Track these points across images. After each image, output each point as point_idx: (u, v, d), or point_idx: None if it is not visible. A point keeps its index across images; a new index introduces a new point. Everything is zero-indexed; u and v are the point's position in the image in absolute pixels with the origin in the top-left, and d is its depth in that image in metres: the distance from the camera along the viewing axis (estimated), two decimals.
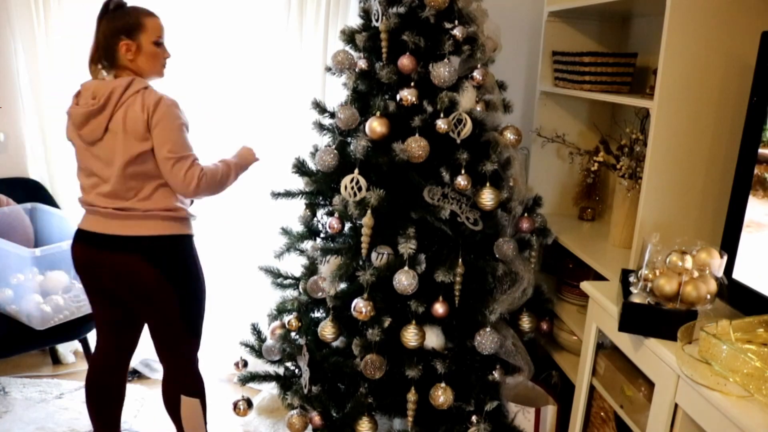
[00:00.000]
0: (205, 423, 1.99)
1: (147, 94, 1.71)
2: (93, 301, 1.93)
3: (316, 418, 2.02)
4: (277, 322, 2.22)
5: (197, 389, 1.96)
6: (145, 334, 1.99)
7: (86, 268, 1.85)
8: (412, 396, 1.90)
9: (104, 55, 1.76)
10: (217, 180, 1.82)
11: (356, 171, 1.85)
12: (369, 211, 1.82)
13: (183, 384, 1.94)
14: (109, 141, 1.72)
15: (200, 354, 1.99)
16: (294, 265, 2.22)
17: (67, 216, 2.55)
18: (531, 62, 2.69)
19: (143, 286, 1.78)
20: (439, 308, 1.86)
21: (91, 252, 1.80)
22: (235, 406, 2.22)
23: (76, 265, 1.86)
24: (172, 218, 1.81)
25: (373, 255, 1.89)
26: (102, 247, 1.78)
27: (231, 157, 1.95)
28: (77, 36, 2.56)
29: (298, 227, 2.18)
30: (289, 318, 2.10)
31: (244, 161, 1.97)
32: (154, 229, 1.77)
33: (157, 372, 2.76)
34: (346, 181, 1.85)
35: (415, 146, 1.81)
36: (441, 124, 1.82)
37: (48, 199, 2.66)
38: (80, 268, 1.86)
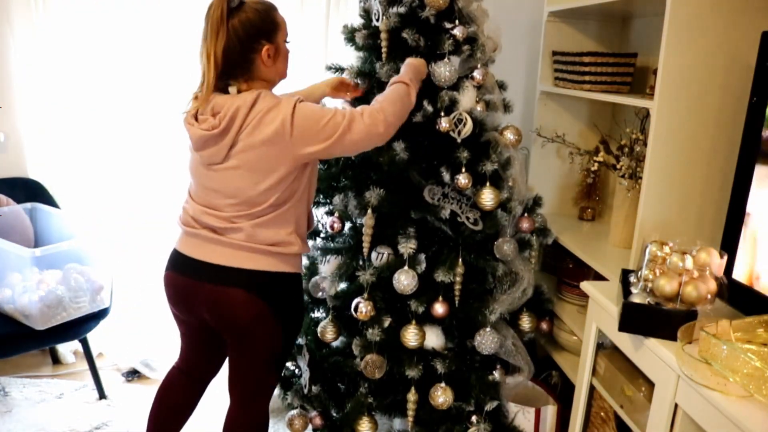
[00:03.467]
0: None
1: (278, 106, 1.47)
2: (179, 321, 1.77)
3: (316, 418, 2.02)
4: None
5: (265, 428, 1.78)
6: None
7: (180, 296, 1.64)
8: (412, 396, 1.90)
9: (232, 68, 1.48)
10: (398, 102, 1.57)
11: None
12: (370, 211, 1.82)
13: (250, 424, 1.74)
14: (224, 173, 1.50)
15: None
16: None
17: (67, 216, 2.55)
18: (531, 62, 2.69)
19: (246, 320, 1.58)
20: (439, 308, 1.86)
21: (186, 281, 1.60)
22: None
23: (170, 293, 1.66)
24: (276, 253, 1.58)
25: (373, 255, 1.90)
26: (194, 276, 1.58)
27: (397, 76, 1.67)
28: (77, 36, 2.56)
29: None
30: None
31: (416, 73, 1.69)
32: (252, 264, 1.56)
33: (157, 372, 2.76)
34: None
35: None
36: (442, 123, 1.82)
37: (48, 199, 2.66)
38: (174, 297, 1.66)
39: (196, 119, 1.53)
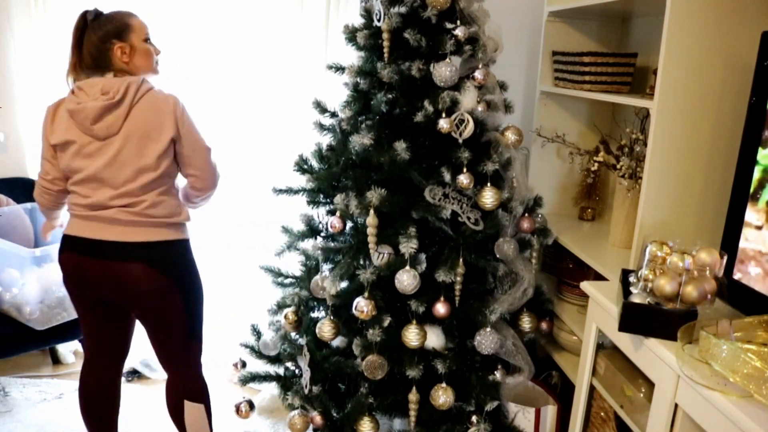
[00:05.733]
0: (211, 428, 1.97)
1: (163, 92, 1.76)
2: (85, 310, 1.87)
3: (317, 419, 2.02)
4: (281, 316, 2.20)
5: (202, 394, 1.94)
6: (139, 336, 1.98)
7: (79, 278, 1.78)
8: (413, 396, 1.90)
9: (97, 62, 1.75)
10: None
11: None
12: (373, 211, 1.82)
13: (187, 389, 1.92)
14: (120, 141, 1.70)
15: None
16: (294, 264, 2.22)
17: (67, 216, 2.54)
18: (531, 62, 2.69)
19: (150, 293, 1.76)
20: (441, 308, 1.86)
21: (84, 260, 1.75)
22: (237, 408, 2.22)
23: (67, 275, 1.80)
24: (178, 223, 1.81)
25: (374, 254, 1.90)
26: (101, 256, 1.74)
27: None
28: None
29: (298, 226, 2.18)
30: (286, 312, 2.09)
31: None
32: (160, 235, 1.76)
33: (157, 372, 2.76)
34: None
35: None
36: (443, 123, 1.82)
37: None
38: (72, 278, 1.80)
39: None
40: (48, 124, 1.76)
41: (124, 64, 1.76)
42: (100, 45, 1.74)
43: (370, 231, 1.84)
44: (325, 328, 1.96)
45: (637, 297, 1.46)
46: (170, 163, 1.77)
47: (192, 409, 1.91)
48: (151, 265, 1.73)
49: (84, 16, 1.77)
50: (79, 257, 1.76)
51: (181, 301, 1.80)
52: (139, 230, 1.73)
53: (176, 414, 1.93)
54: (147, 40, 1.81)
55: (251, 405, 2.24)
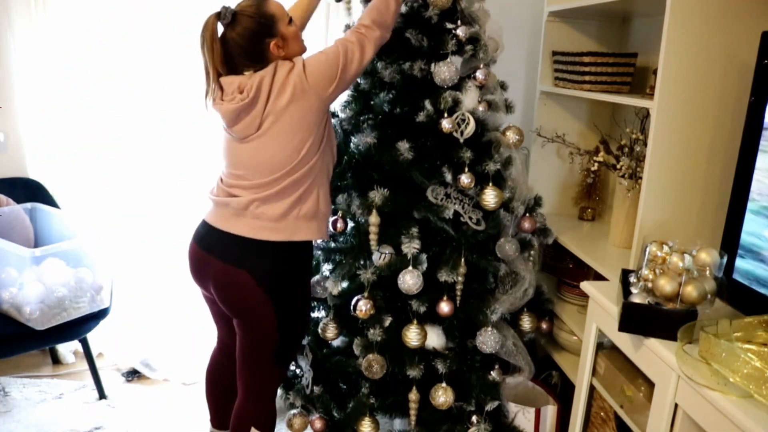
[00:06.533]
0: None
1: (293, 67, 1.61)
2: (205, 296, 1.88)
3: (317, 423, 2.01)
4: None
5: (270, 425, 1.82)
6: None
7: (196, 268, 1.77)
8: (413, 396, 1.90)
9: (250, 60, 1.62)
10: (383, 14, 1.68)
11: None
12: (375, 210, 1.82)
13: (257, 414, 1.80)
14: (256, 142, 1.63)
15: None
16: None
17: (67, 216, 2.55)
18: (531, 62, 2.69)
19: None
20: (445, 307, 1.86)
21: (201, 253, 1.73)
22: None
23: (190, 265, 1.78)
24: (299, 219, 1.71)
25: (376, 254, 1.90)
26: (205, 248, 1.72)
27: None
28: (77, 36, 2.56)
29: None
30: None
31: None
32: (273, 234, 1.67)
33: (157, 372, 2.76)
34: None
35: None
36: (445, 123, 1.83)
37: (48, 199, 2.66)
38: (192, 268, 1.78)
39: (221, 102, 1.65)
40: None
41: (281, 57, 1.64)
42: (250, 47, 1.60)
43: (372, 230, 1.84)
44: (327, 329, 1.96)
45: (637, 297, 1.46)
46: (309, 149, 1.67)
47: None
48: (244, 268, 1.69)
49: (218, 17, 1.60)
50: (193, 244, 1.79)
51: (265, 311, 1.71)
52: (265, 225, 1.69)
53: None
54: (290, 20, 1.66)
55: None
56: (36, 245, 2.53)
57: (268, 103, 1.60)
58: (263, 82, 1.59)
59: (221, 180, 1.75)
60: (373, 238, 1.85)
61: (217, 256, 1.68)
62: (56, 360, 2.82)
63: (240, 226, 1.66)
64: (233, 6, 1.63)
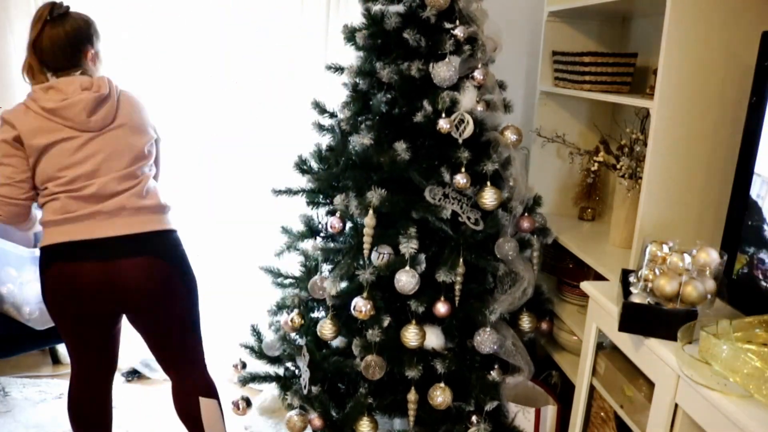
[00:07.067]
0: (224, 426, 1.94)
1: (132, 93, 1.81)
2: (75, 324, 1.73)
3: (316, 421, 2.01)
4: (285, 317, 2.19)
5: (214, 389, 1.91)
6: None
7: (72, 289, 1.64)
8: (412, 396, 1.90)
9: (68, 62, 1.70)
10: None
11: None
12: (371, 211, 1.82)
13: (200, 386, 1.89)
14: (116, 131, 1.70)
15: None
16: (294, 264, 2.22)
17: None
18: (531, 62, 2.69)
19: (161, 288, 1.72)
20: (441, 308, 1.85)
21: (79, 267, 1.62)
22: (235, 405, 2.22)
23: (57, 288, 1.65)
24: (170, 212, 1.82)
25: (374, 255, 1.90)
26: (101, 256, 1.63)
27: None
28: None
29: (298, 226, 2.18)
30: (292, 315, 2.08)
31: None
32: (162, 224, 1.75)
33: (157, 372, 2.76)
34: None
35: None
36: (443, 123, 1.82)
37: None
38: (64, 291, 1.64)
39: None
40: (22, 129, 1.61)
41: (91, 71, 1.75)
42: (70, 47, 1.69)
43: (367, 232, 1.84)
44: (325, 329, 1.96)
45: (637, 297, 1.46)
46: (153, 155, 1.82)
47: (208, 405, 1.87)
48: (158, 257, 1.71)
49: (51, 8, 1.67)
50: (72, 265, 1.63)
51: (186, 294, 1.79)
52: (149, 219, 1.72)
53: (189, 415, 1.88)
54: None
55: (248, 402, 2.24)
56: (36, 245, 2.53)
57: (119, 100, 1.76)
58: (110, 82, 1.77)
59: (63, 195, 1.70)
60: (367, 240, 1.84)
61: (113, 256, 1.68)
62: (56, 360, 2.83)
63: None
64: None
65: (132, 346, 2.82)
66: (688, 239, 1.50)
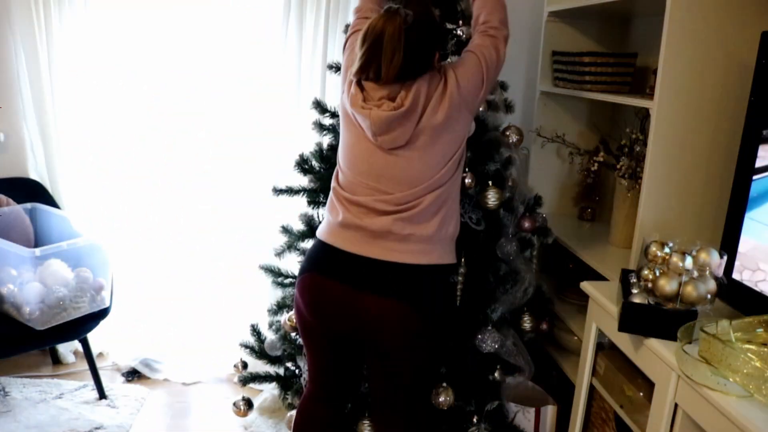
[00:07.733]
0: None
1: (446, 81, 1.52)
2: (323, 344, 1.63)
3: None
4: (285, 316, 2.19)
5: None
6: None
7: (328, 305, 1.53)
8: None
9: (414, 67, 1.48)
10: (506, 11, 1.63)
11: None
12: None
13: None
14: (411, 153, 1.50)
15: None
16: (294, 264, 2.22)
17: (67, 216, 2.55)
18: (531, 62, 2.69)
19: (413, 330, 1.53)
20: None
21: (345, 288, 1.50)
22: (235, 405, 2.22)
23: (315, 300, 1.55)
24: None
25: None
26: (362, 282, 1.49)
27: None
28: (77, 36, 2.56)
29: (298, 226, 2.18)
30: (290, 314, 2.08)
31: None
32: (440, 258, 1.56)
33: (157, 372, 2.76)
34: None
35: None
36: None
37: (48, 199, 2.66)
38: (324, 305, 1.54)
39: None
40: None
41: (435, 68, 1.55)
42: (426, 49, 1.50)
43: None
44: None
45: (637, 297, 1.46)
46: (453, 162, 1.57)
47: None
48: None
49: (405, 17, 1.45)
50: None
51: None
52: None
53: None
54: None
55: (249, 403, 2.24)
56: (36, 245, 2.53)
57: (422, 117, 1.48)
58: (420, 94, 1.47)
59: (343, 191, 1.58)
60: None
61: (372, 290, 1.49)
62: (56, 360, 2.83)
63: (389, 251, 1.50)
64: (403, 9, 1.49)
65: (132, 347, 2.83)
66: (688, 239, 1.50)
